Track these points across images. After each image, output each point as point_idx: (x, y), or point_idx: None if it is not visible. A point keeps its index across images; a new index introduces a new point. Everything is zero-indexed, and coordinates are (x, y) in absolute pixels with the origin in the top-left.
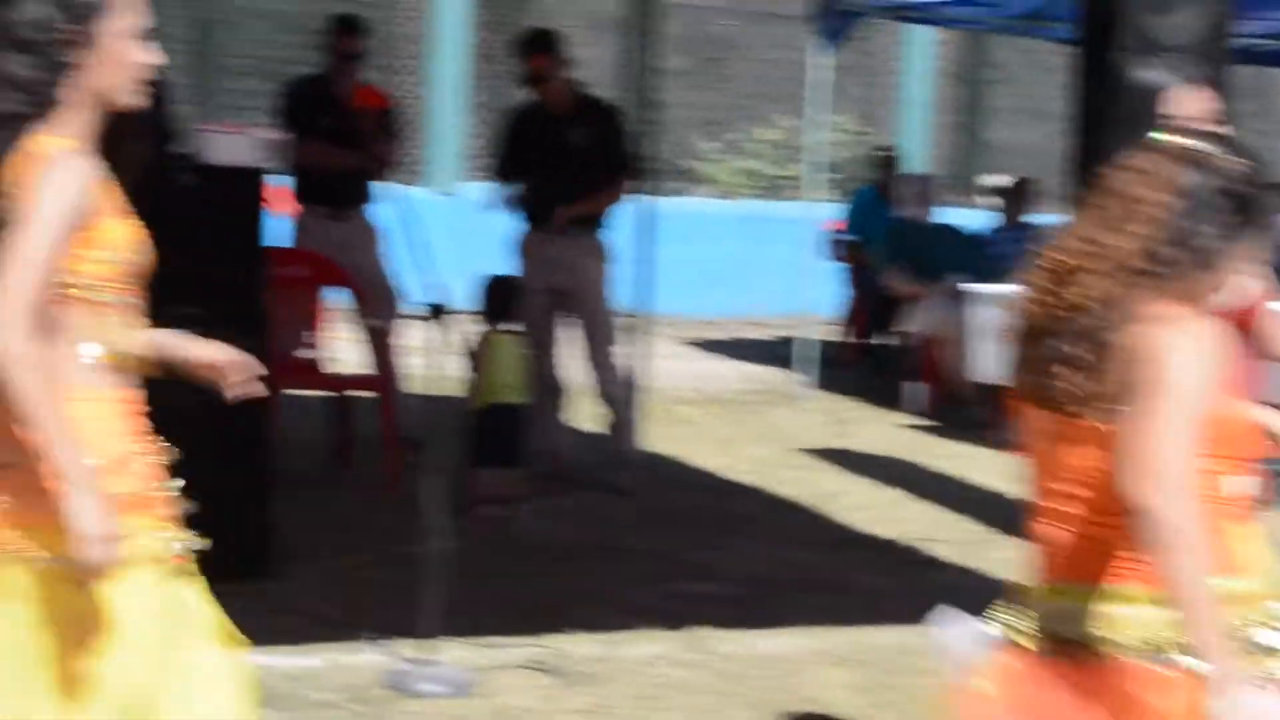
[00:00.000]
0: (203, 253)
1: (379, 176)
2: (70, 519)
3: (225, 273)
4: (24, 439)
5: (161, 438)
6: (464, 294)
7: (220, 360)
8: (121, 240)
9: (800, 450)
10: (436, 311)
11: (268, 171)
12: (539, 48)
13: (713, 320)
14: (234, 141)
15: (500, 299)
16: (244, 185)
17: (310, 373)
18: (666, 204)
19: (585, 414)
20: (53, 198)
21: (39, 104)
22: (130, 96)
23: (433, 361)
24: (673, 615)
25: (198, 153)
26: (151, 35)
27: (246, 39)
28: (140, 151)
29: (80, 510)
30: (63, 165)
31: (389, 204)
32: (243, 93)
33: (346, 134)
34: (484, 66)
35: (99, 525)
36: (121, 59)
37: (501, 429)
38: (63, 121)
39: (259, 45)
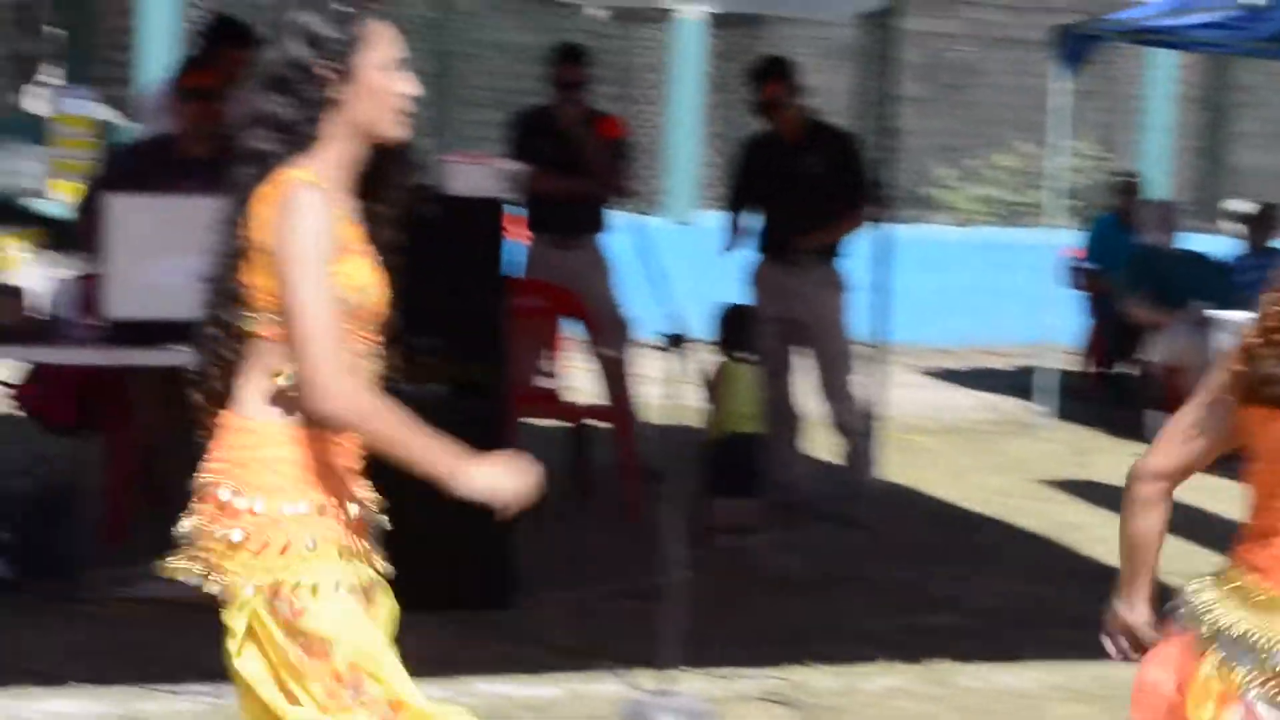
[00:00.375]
0: (445, 283)
1: (611, 205)
2: (474, 485)
3: (467, 302)
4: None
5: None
6: (700, 323)
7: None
8: (359, 281)
9: (1040, 481)
10: (673, 341)
11: (508, 201)
12: (773, 75)
13: (950, 349)
14: (475, 172)
15: (735, 328)
16: (485, 215)
17: (548, 402)
18: (904, 232)
19: (822, 444)
20: (304, 242)
21: (296, 141)
22: (393, 128)
23: (669, 391)
24: (912, 648)
25: (439, 183)
26: (406, 66)
27: (484, 70)
28: (403, 183)
29: (471, 477)
30: (304, 201)
31: (624, 233)
32: (479, 123)
33: (571, 162)
34: (719, 96)
35: (496, 469)
36: (381, 92)
37: (738, 459)
38: (320, 156)
39: (497, 77)
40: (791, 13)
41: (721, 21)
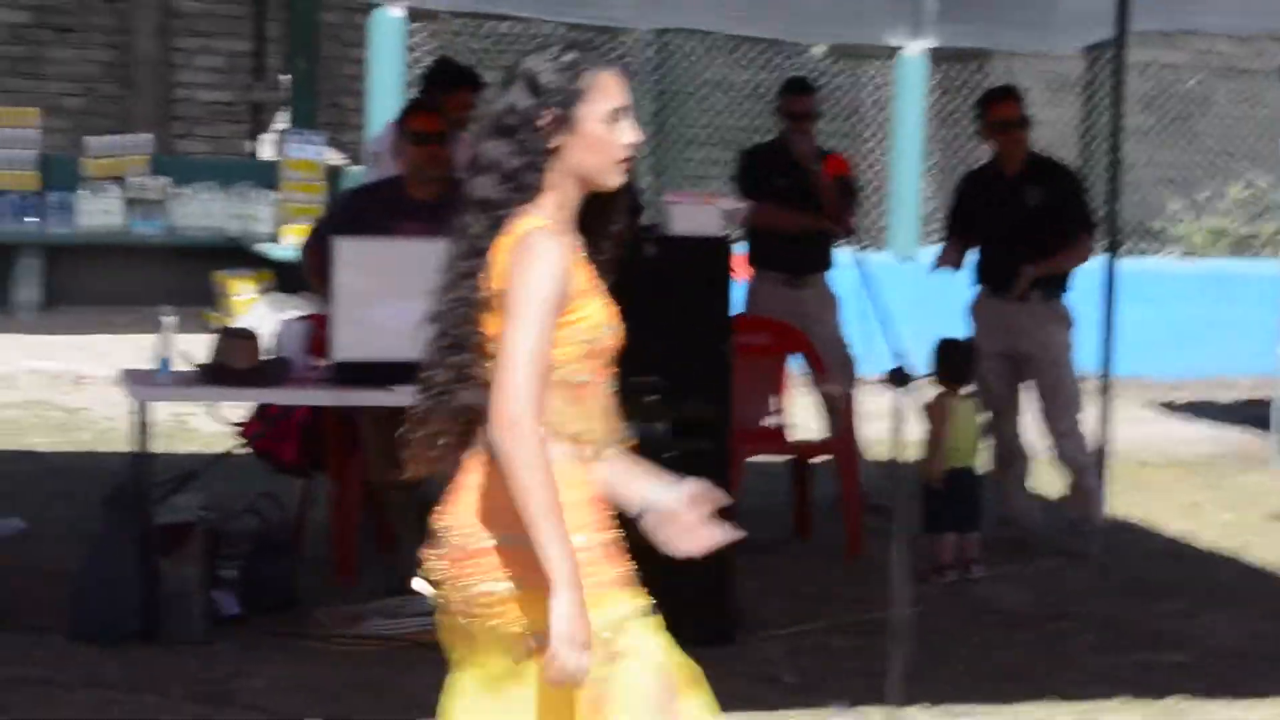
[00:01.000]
0: (670, 322)
1: (838, 241)
2: (552, 617)
3: (693, 342)
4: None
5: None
6: (922, 359)
7: (679, 507)
8: (597, 320)
9: (1274, 516)
10: (896, 377)
11: (733, 240)
12: (1004, 99)
13: (1180, 382)
14: (699, 211)
15: (956, 362)
16: (711, 255)
17: (773, 440)
18: (1130, 264)
19: (1047, 480)
20: (535, 283)
21: (523, 189)
22: (612, 178)
23: (892, 427)
24: (1147, 686)
25: (663, 224)
26: (629, 115)
27: (705, 110)
28: (622, 224)
29: (560, 609)
30: (542, 248)
31: (849, 269)
32: (701, 162)
33: (802, 196)
34: (942, 131)
35: (577, 630)
36: (602, 142)
37: (960, 494)
38: (544, 203)
39: (718, 115)
40: (1016, 46)
41: (944, 57)
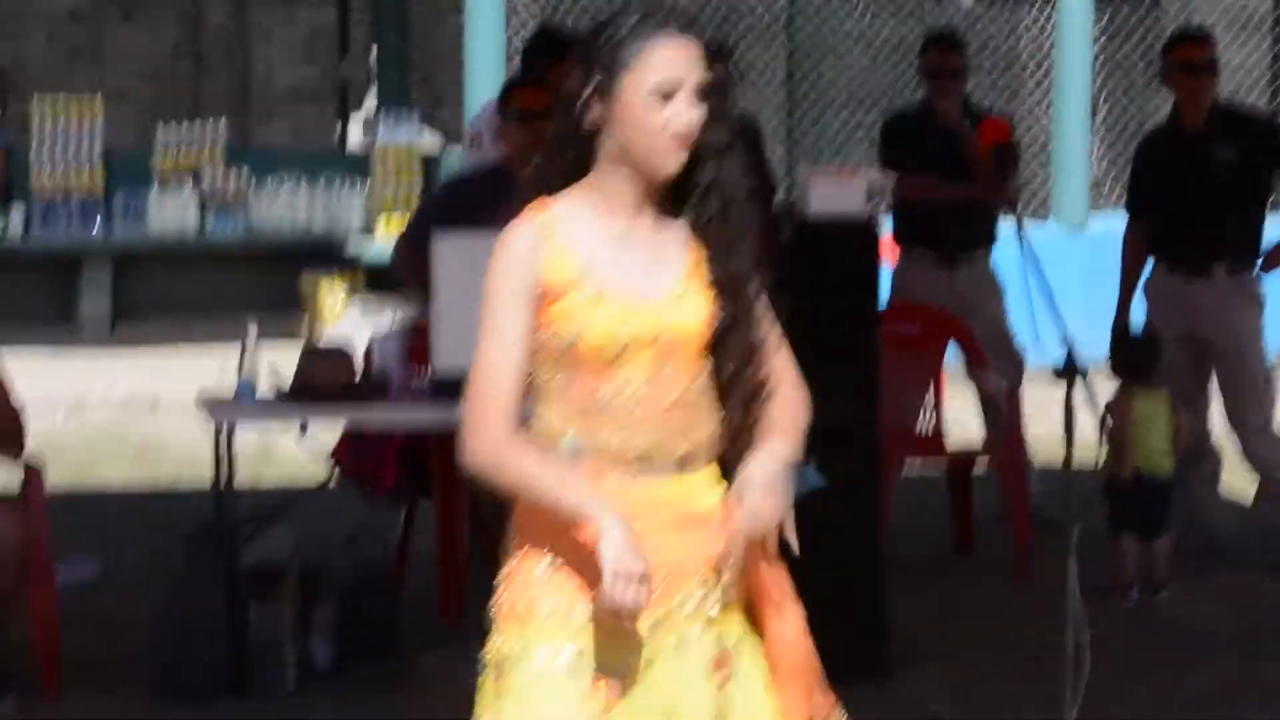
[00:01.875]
0: (809, 318)
1: (998, 213)
2: (601, 555)
3: (836, 340)
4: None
5: None
6: (1098, 348)
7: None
8: (585, 316)
9: None
10: (1069, 370)
11: (879, 219)
12: (1190, 38)
13: None
14: (841, 188)
15: (1139, 353)
16: (856, 238)
17: (928, 445)
18: None
19: (1240, 482)
20: (491, 285)
21: (562, 170)
22: (664, 164)
23: (1065, 427)
24: None
25: (800, 203)
26: (688, 91)
27: (841, 68)
28: (732, 202)
29: (607, 547)
30: (503, 241)
31: (1011, 245)
32: (837, 127)
33: (953, 165)
34: (1111, 84)
35: (624, 562)
36: (645, 120)
37: (1145, 501)
38: (591, 186)
39: (859, 74)
40: None
41: None
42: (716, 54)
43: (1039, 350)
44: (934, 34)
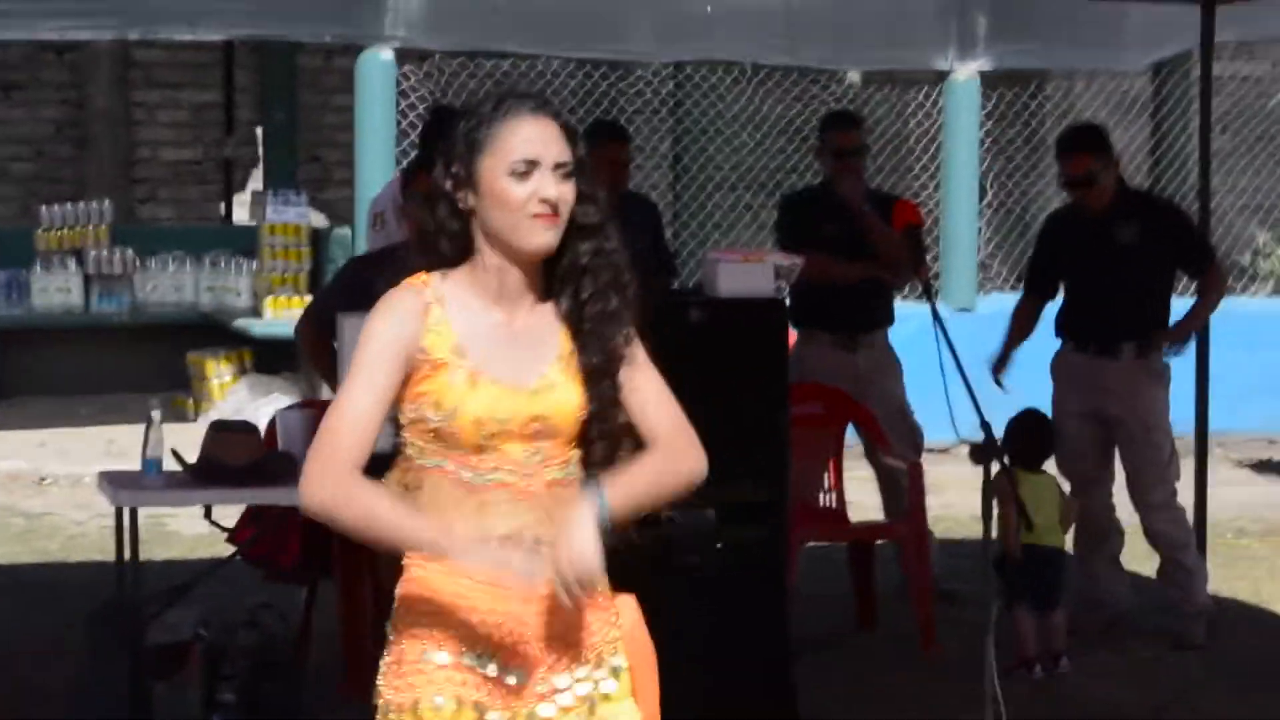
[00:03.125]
0: (719, 395)
1: (897, 293)
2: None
3: (746, 417)
4: None
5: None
6: (992, 431)
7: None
8: (455, 399)
9: None
10: (986, 450)
11: (784, 300)
12: (1085, 146)
13: (1275, 437)
14: (749, 269)
15: (1034, 432)
16: (765, 317)
17: (832, 522)
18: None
19: (1139, 556)
20: (362, 342)
21: (437, 255)
22: (528, 240)
23: (983, 508)
24: None
25: (708, 284)
26: (546, 167)
27: (733, 149)
28: (612, 283)
29: (485, 564)
30: (381, 305)
31: (908, 324)
32: (727, 208)
33: (854, 244)
34: (998, 164)
35: (496, 558)
36: (504, 198)
37: (1043, 575)
38: (470, 269)
39: (746, 155)
40: (1076, 65)
41: (997, 80)
42: (616, 136)
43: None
44: (834, 114)
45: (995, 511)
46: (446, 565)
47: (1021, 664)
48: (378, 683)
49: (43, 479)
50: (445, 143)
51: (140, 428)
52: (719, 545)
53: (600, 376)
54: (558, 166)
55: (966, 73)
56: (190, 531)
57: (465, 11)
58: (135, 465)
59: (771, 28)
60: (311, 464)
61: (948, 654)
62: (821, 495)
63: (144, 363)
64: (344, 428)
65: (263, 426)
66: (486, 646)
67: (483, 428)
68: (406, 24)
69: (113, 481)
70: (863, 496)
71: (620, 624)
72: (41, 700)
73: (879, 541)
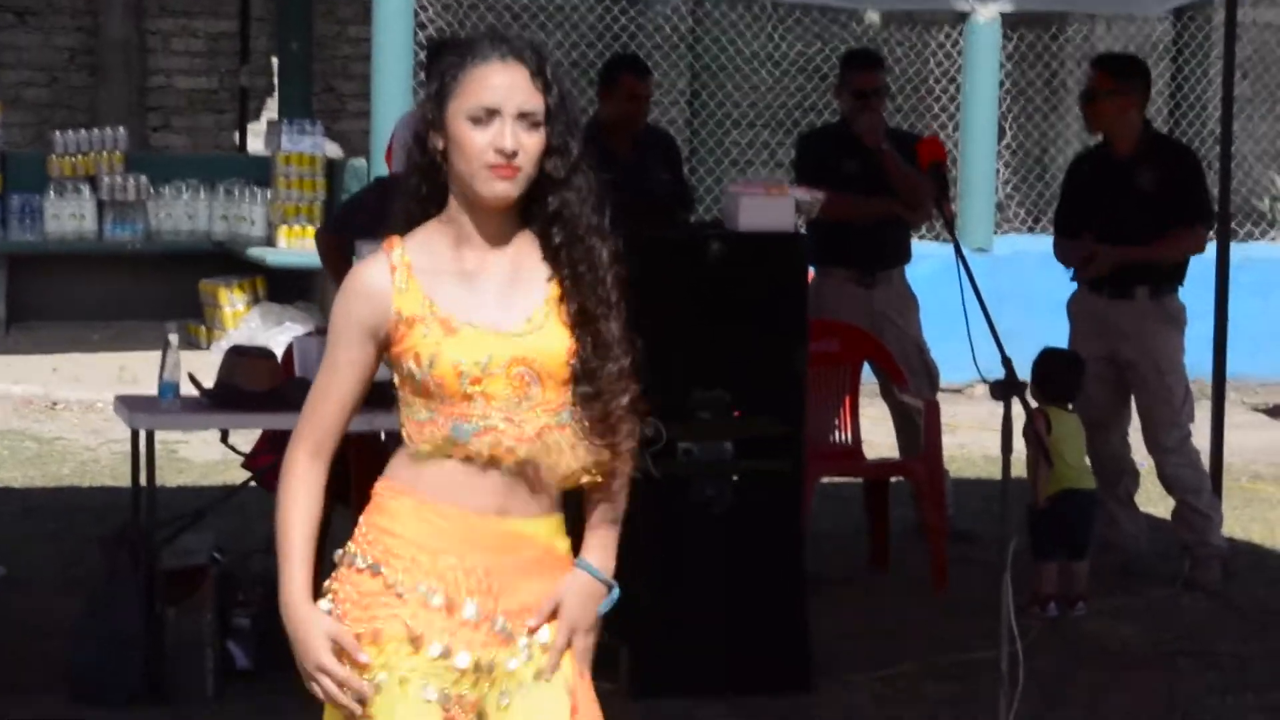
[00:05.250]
0: (738, 330)
1: (915, 231)
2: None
3: (763, 352)
4: None
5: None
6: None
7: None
8: (432, 349)
9: None
10: (1007, 387)
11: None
12: (1110, 69)
13: None
14: (770, 203)
15: (1059, 372)
16: (785, 252)
17: (848, 459)
18: (1237, 251)
19: (1157, 499)
20: (332, 316)
21: (418, 201)
22: (484, 188)
23: (1002, 444)
24: None
25: (731, 218)
26: (506, 117)
27: (751, 87)
28: (570, 239)
29: (290, 621)
30: (349, 276)
31: (924, 262)
32: (744, 145)
33: (873, 182)
34: (1017, 106)
35: (304, 659)
36: (463, 144)
37: (1065, 518)
38: (445, 218)
39: (764, 93)
40: (1096, 8)
41: (1018, 22)
42: (635, 70)
43: (957, 367)
44: (853, 52)
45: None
46: (417, 500)
47: (1035, 602)
48: (330, 605)
49: (55, 404)
50: (428, 80)
51: (152, 354)
52: (735, 478)
53: (580, 325)
54: (522, 115)
55: (987, 14)
56: (202, 458)
57: None
58: (147, 391)
59: None
60: (288, 446)
61: (962, 592)
62: (836, 432)
63: (157, 290)
64: (310, 408)
65: (279, 354)
66: (452, 588)
67: (464, 374)
68: None
69: (129, 405)
70: (877, 436)
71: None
72: (55, 623)
73: (894, 480)
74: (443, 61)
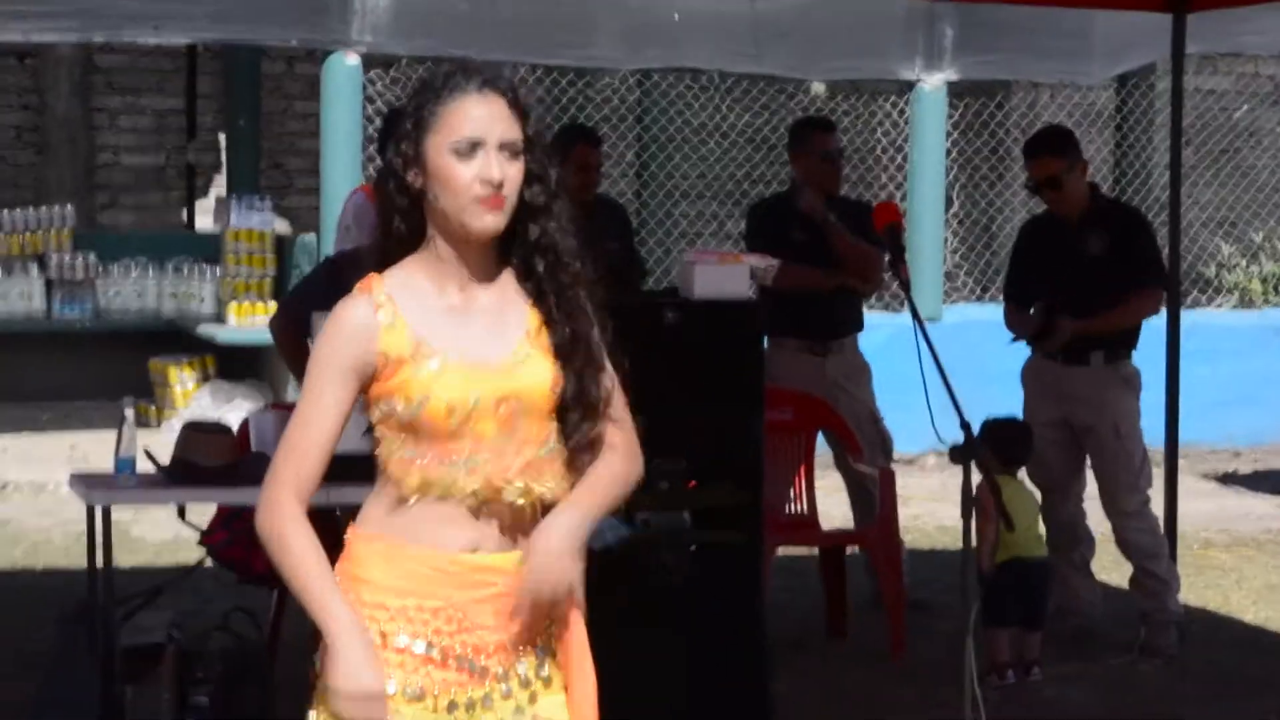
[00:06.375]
0: (695, 398)
1: (865, 299)
2: (333, 675)
3: (721, 420)
4: None
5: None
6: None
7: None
8: (424, 388)
9: None
10: (953, 453)
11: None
12: (1050, 149)
13: (1239, 449)
14: (725, 271)
15: (1006, 439)
16: (740, 320)
17: (804, 529)
18: (1184, 318)
19: (1110, 565)
20: (316, 352)
21: (395, 241)
22: (474, 221)
23: (963, 509)
24: None
25: (684, 287)
26: (491, 147)
27: (699, 158)
28: (551, 277)
29: (341, 663)
30: (334, 314)
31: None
32: (693, 217)
33: (823, 250)
34: (963, 175)
35: (362, 680)
36: (449, 178)
37: (1018, 586)
38: (424, 254)
39: (711, 164)
40: (1041, 77)
41: (963, 91)
42: (587, 140)
43: (909, 436)
44: (809, 118)
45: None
46: (387, 544)
47: (993, 670)
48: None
49: (4, 485)
50: (398, 118)
51: (103, 434)
52: (693, 548)
53: (571, 350)
54: (503, 146)
55: (933, 83)
56: (155, 537)
57: (432, 17)
58: (98, 471)
59: (738, 36)
60: (263, 490)
61: (920, 661)
62: (791, 503)
63: (107, 369)
64: (293, 455)
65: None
66: (426, 630)
67: (454, 413)
68: (373, 29)
69: (86, 482)
70: (830, 507)
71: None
72: (11, 704)
73: (850, 550)
74: (416, 98)
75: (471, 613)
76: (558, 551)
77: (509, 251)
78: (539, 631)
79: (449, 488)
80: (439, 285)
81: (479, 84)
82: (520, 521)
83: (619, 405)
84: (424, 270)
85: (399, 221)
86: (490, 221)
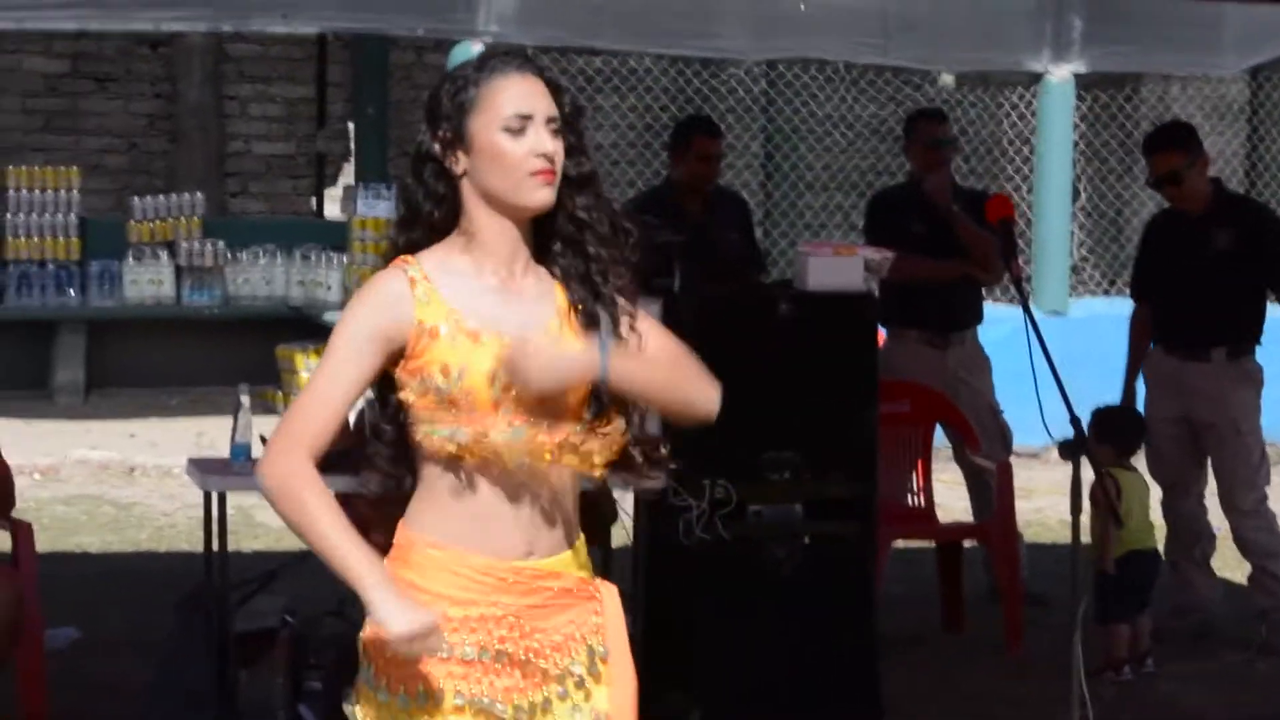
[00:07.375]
0: (809, 390)
1: (987, 292)
2: (374, 620)
3: (835, 412)
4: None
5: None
6: (1083, 427)
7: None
8: (459, 360)
9: None
10: (1062, 448)
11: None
12: (1170, 143)
13: None
14: (840, 263)
15: (1127, 432)
16: (855, 312)
17: (921, 522)
18: None
19: (1233, 563)
20: (344, 320)
21: (430, 225)
22: (530, 195)
23: (1071, 505)
24: None
25: (799, 278)
26: (539, 121)
27: (825, 149)
28: (604, 256)
29: (377, 613)
30: (367, 286)
31: (997, 324)
32: (818, 209)
33: (943, 242)
34: (1091, 167)
35: (402, 620)
36: (501, 154)
37: (1135, 580)
38: (462, 236)
39: (838, 155)
40: (1172, 69)
41: (1092, 83)
42: (707, 131)
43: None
44: (920, 110)
45: (1087, 515)
46: (442, 551)
47: (1109, 666)
48: (367, 665)
49: (132, 469)
50: (431, 106)
51: (228, 420)
52: (806, 540)
53: (593, 330)
54: (549, 121)
55: (1061, 75)
56: (278, 522)
57: (559, 7)
58: (215, 456)
59: (866, 27)
60: (271, 443)
61: (1035, 656)
62: (909, 495)
63: (233, 355)
64: (304, 418)
65: (352, 418)
66: (485, 637)
67: (495, 381)
68: (500, 19)
69: (201, 468)
70: (950, 500)
71: (603, 611)
72: (129, 686)
73: (967, 544)
74: (451, 84)
75: (527, 616)
76: (560, 343)
77: (541, 233)
78: (576, 631)
79: (493, 459)
80: (477, 265)
81: (517, 64)
82: (566, 517)
83: (668, 349)
84: (460, 252)
85: (432, 208)
86: (544, 195)
